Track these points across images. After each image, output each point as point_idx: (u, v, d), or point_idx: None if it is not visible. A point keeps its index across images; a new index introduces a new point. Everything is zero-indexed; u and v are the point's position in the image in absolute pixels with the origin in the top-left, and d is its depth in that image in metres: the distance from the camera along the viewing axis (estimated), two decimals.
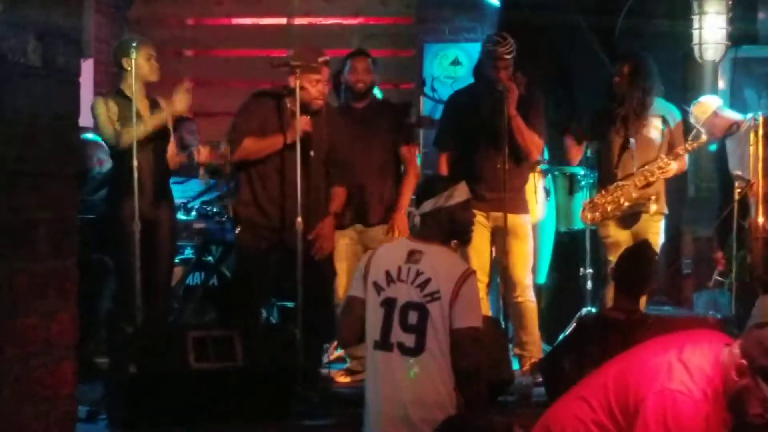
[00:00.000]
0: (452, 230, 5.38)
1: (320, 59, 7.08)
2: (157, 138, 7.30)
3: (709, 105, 8.21)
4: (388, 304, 5.16)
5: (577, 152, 8.14)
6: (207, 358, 6.19)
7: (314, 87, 7.01)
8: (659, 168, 7.81)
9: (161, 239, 7.31)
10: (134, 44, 7.08)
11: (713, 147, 8.41)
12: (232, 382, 6.23)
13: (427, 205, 5.30)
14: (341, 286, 7.45)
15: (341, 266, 7.53)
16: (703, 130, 8.14)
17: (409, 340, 5.10)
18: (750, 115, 8.04)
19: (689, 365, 4.08)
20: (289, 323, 7.65)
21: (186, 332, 6.29)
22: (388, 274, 5.19)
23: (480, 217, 7.42)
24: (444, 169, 7.69)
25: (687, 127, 8.11)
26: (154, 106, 7.35)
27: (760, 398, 3.94)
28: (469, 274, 5.21)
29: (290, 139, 6.97)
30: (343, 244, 7.63)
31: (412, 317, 5.11)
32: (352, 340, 5.60)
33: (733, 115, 8.33)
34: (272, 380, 6.33)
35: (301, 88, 6.88)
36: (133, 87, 7.02)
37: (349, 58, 7.81)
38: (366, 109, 7.76)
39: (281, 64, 7.14)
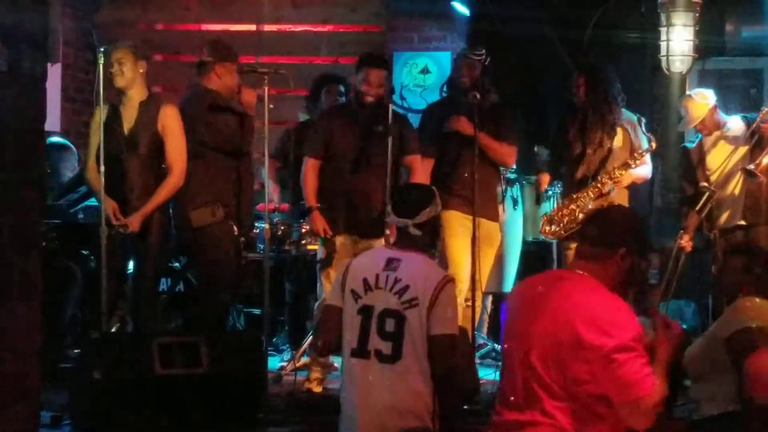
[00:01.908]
0: (435, 237, 5.41)
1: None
2: (149, 142, 7.23)
3: (708, 99, 8.23)
4: (366, 311, 5.12)
5: (545, 179, 8.24)
6: (172, 365, 6.16)
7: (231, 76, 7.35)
8: (611, 178, 7.84)
9: (149, 245, 7.23)
10: (102, 50, 7.07)
11: (690, 144, 8.44)
12: (198, 388, 6.18)
13: (425, 215, 5.30)
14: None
15: (333, 272, 7.36)
16: (692, 125, 8.17)
17: (386, 347, 5.07)
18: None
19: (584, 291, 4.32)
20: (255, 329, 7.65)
21: (151, 338, 6.24)
22: (365, 281, 5.15)
23: (466, 221, 7.52)
24: (425, 176, 7.69)
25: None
26: (144, 110, 7.33)
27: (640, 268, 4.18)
28: (447, 281, 5.19)
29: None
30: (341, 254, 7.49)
31: (390, 324, 5.07)
32: (330, 348, 5.52)
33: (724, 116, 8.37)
34: (238, 387, 6.31)
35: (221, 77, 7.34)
36: (100, 94, 7.00)
37: (366, 65, 7.62)
38: (370, 115, 7.61)
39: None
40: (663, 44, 7.36)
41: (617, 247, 4.35)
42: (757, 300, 5.55)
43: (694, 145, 8.41)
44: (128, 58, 7.20)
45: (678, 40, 7.34)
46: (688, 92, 8.48)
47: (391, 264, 5.17)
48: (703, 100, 8.18)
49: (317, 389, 7.45)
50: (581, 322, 4.17)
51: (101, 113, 6.96)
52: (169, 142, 7.20)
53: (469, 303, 7.56)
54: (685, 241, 8.13)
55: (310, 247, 8.52)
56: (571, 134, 7.95)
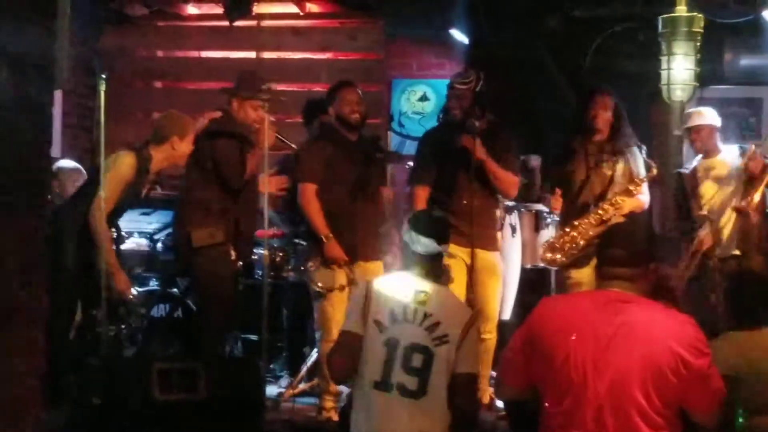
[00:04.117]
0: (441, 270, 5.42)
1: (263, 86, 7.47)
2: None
3: (714, 117, 8.28)
4: (391, 344, 5.05)
5: (556, 201, 8.11)
6: (171, 390, 6.16)
7: (255, 112, 7.43)
8: (612, 205, 7.85)
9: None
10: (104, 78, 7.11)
11: (686, 169, 8.46)
12: (196, 414, 6.19)
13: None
14: (336, 321, 7.22)
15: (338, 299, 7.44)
16: (688, 124, 8.20)
17: (411, 382, 5.01)
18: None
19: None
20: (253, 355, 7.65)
21: (150, 364, 6.25)
22: (392, 313, 5.08)
23: (461, 253, 7.41)
24: (421, 204, 7.64)
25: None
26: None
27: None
28: (475, 319, 5.21)
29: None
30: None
31: (417, 360, 5.02)
32: (346, 375, 5.35)
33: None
34: (236, 413, 6.31)
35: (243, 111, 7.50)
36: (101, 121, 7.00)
37: (338, 89, 7.74)
38: (359, 141, 7.71)
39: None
40: (664, 73, 7.39)
41: (648, 263, 4.48)
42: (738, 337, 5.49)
43: (688, 171, 8.43)
44: None
45: (679, 69, 7.38)
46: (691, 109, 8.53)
47: (418, 296, 5.11)
48: (709, 114, 8.24)
49: (336, 417, 7.27)
50: (680, 345, 4.23)
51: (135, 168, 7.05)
52: None
53: (488, 336, 7.59)
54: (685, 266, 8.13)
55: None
56: (578, 160, 7.96)
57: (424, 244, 5.21)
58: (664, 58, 7.32)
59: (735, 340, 5.14)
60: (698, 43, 7.32)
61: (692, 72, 7.41)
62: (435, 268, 5.28)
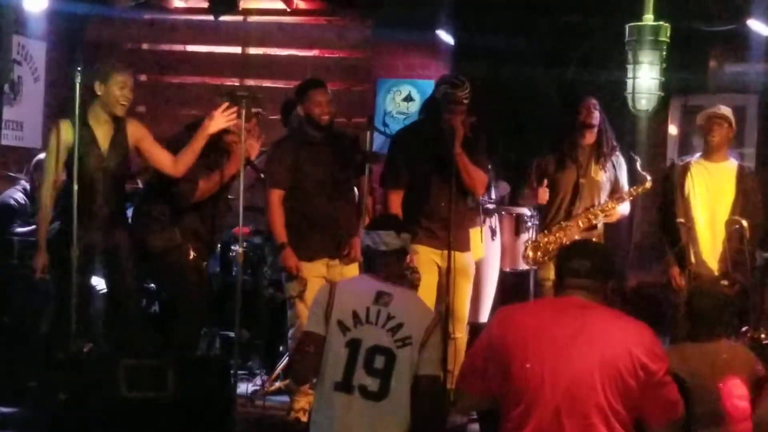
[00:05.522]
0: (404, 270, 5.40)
1: (254, 110, 7.39)
2: (115, 162, 7.19)
3: (732, 122, 8.22)
4: (353, 345, 5.04)
5: (543, 192, 8.10)
6: (139, 387, 6.14)
7: (232, 133, 7.31)
8: (603, 211, 7.90)
9: (121, 265, 7.21)
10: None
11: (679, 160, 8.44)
12: (164, 412, 6.18)
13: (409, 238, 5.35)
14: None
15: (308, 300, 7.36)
16: (716, 110, 8.12)
17: (372, 384, 5.01)
18: None
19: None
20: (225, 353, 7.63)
21: (118, 361, 6.22)
22: (355, 314, 5.07)
23: (434, 255, 7.41)
24: (396, 208, 7.54)
25: (631, 174, 8.18)
26: (117, 129, 7.26)
27: None
28: (438, 321, 5.20)
29: (235, 170, 7.25)
30: (312, 278, 7.40)
31: (379, 361, 5.01)
32: (309, 377, 5.39)
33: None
34: (204, 411, 6.30)
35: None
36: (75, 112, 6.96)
37: (310, 89, 7.59)
38: (325, 138, 7.59)
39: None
40: (629, 81, 7.38)
41: (609, 280, 4.51)
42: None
43: (681, 164, 8.33)
44: (131, 81, 7.19)
45: (644, 78, 7.35)
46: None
47: (381, 298, 5.10)
48: (731, 117, 8.16)
49: (305, 419, 7.26)
50: (638, 349, 4.27)
51: (71, 131, 6.95)
52: (151, 151, 7.26)
53: (458, 335, 7.55)
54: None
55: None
56: (568, 167, 7.97)
57: (385, 241, 5.20)
58: (629, 67, 7.29)
59: (686, 350, 5.38)
60: (664, 53, 7.28)
61: (657, 81, 7.37)
62: (398, 269, 5.28)
